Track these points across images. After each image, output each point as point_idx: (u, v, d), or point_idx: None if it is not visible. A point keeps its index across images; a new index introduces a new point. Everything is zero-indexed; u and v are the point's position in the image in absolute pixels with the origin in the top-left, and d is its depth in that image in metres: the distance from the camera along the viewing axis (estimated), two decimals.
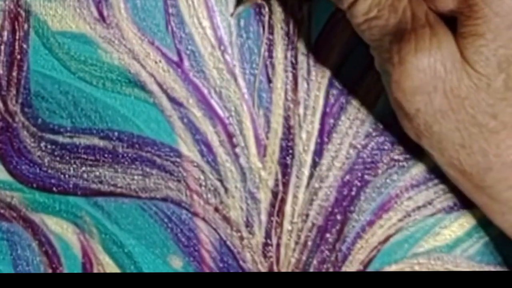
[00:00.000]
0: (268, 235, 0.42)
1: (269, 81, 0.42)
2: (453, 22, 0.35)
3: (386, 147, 0.42)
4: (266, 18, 0.41)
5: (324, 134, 0.42)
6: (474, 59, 0.35)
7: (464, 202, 0.41)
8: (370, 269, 0.42)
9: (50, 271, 0.43)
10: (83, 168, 0.43)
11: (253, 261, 0.43)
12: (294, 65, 0.42)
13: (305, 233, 0.42)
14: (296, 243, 0.42)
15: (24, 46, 0.42)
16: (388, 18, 0.36)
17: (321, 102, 0.42)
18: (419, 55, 0.35)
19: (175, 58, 0.42)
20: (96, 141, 0.42)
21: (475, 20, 0.34)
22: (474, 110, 0.35)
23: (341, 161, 0.42)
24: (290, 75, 0.42)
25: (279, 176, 0.42)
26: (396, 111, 0.37)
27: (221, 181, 0.42)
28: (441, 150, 0.37)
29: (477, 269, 0.42)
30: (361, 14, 0.36)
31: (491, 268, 0.42)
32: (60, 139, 0.43)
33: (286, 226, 0.42)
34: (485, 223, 0.42)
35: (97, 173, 0.43)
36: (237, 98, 0.42)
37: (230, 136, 0.42)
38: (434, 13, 0.36)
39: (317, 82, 0.42)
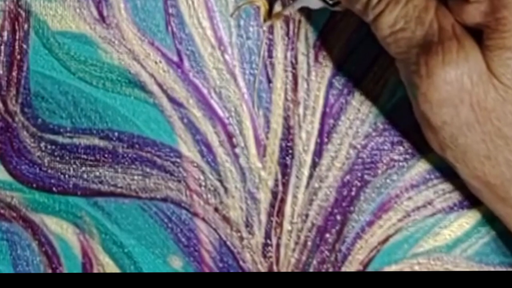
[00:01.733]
0: (267, 235, 0.42)
1: (269, 81, 0.42)
2: (478, 34, 0.35)
3: (385, 148, 0.42)
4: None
5: (324, 134, 0.42)
6: (500, 71, 0.35)
7: (464, 203, 0.42)
8: (370, 269, 0.42)
9: (50, 271, 0.43)
10: (83, 168, 0.43)
11: (253, 261, 0.43)
12: (294, 65, 0.42)
13: (305, 233, 0.42)
14: (296, 243, 0.42)
15: (24, 46, 0.42)
16: (414, 30, 0.36)
17: (320, 102, 0.42)
18: (447, 67, 0.35)
19: (175, 59, 0.42)
20: (96, 141, 0.42)
21: (502, 33, 0.34)
22: (501, 123, 0.35)
23: (341, 161, 0.42)
24: (290, 75, 0.42)
25: (279, 176, 0.42)
26: (421, 123, 0.37)
27: (221, 181, 0.42)
28: (466, 162, 0.37)
29: (476, 269, 0.42)
30: (387, 26, 0.36)
31: (490, 268, 0.42)
32: (60, 139, 0.43)
33: (286, 226, 0.42)
34: (484, 224, 0.42)
35: (97, 173, 0.43)
36: (237, 98, 0.42)
37: (230, 136, 0.42)
38: (460, 26, 0.36)
39: (317, 82, 0.42)
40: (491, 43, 0.35)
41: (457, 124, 0.36)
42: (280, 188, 0.42)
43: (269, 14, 0.41)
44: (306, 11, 0.41)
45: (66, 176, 0.43)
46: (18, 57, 0.42)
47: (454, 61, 0.35)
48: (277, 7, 0.41)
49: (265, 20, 0.41)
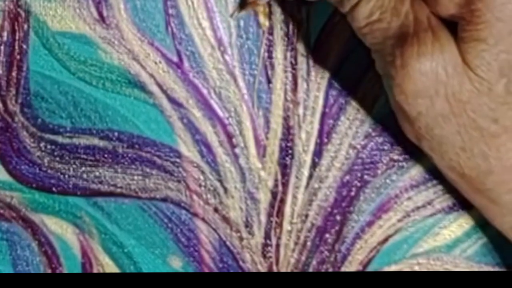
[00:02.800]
0: (267, 236, 0.42)
1: (269, 81, 0.42)
2: (454, 26, 0.35)
3: (385, 148, 0.42)
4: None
5: (324, 135, 0.42)
6: (475, 63, 0.35)
7: (463, 203, 0.42)
8: (370, 269, 0.42)
9: (49, 271, 0.43)
10: (83, 168, 0.43)
11: (252, 261, 0.43)
12: (293, 66, 0.42)
13: (305, 233, 0.42)
14: (296, 243, 0.42)
15: (24, 46, 0.42)
16: (390, 21, 0.36)
17: (320, 102, 0.42)
18: (422, 59, 0.35)
19: (175, 59, 0.42)
20: (96, 141, 0.43)
21: (477, 25, 0.34)
22: (476, 114, 0.35)
23: (341, 161, 0.42)
24: (289, 75, 0.42)
25: (279, 177, 0.42)
26: (397, 114, 0.37)
27: (220, 181, 0.42)
28: (442, 153, 0.37)
29: (476, 270, 0.42)
30: (363, 17, 0.36)
31: (490, 268, 0.42)
32: (60, 139, 0.43)
33: (286, 226, 0.42)
34: (484, 224, 0.42)
35: (97, 173, 0.43)
36: (236, 98, 0.42)
37: (229, 136, 0.42)
38: (436, 17, 0.36)
39: (316, 83, 0.42)
40: (465, 35, 0.35)
41: (432, 115, 0.36)
42: (280, 188, 0.42)
43: (241, 3, 0.41)
44: (305, 13, 0.41)
45: (66, 176, 0.43)
46: (18, 57, 0.42)
47: (429, 53, 0.35)
48: (276, 7, 0.41)
49: (239, 9, 0.41)
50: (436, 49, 0.35)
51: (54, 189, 0.43)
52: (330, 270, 0.42)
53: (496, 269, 0.42)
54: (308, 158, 0.42)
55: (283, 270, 0.43)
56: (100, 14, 0.42)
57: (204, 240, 0.43)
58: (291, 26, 0.41)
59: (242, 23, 0.41)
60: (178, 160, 0.42)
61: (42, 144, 0.43)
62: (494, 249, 0.42)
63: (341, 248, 0.42)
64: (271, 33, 0.41)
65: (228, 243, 0.43)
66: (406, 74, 0.35)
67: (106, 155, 0.43)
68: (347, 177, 0.42)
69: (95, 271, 0.43)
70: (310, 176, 0.42)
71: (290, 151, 0.42)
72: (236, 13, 0.41)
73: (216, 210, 0.42)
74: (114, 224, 0.43)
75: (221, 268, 0.43)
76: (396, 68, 0.35)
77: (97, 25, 0.42)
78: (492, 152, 0.36)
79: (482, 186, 0.37)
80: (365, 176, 0.42)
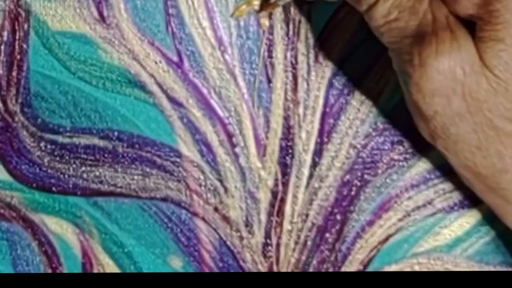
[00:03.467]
0: (267, 235, 0.42)
1: (269, 81, 0.42)
2: (472, 25, 0.35)
3: (386, 147, 0.42)
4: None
5: (324, 134, 0.42)
6: (493, 63, 0.35)
7: (464, 202, 0.41)
8: (370, 269, 0.42)
9: (50, 271, 0.43)
10: (83, 168, 0.43)
11: (253, 261, 0.43)
12: (294, 65, 0.42)
13: (305, 233, 0.42)
14: (296, 243, 0.42)
15: (24, 46, 0.42)
16: (408, 20, 0.36)
17: (320, 102, 0.42)
18: (440, 57, 0.35)
19: (175, 59, 0.42)
20: (96, 141, 0.43)
21: (495, 25, 0.34)
22: (492, 114, 0.35)
23: (341, 161, 0.42)
24: (290, 75, 0.42)
25: (279, 176, 0.42)
26: (413, 112, 0.37)
27: (220, 181, 0.42)
28: (457, 152, 0.37)
29: (476, 269, 0.42)
30: (381, 16, 0.36)
31: (490, 268, 0.42)
32: (60, 139, 0.43)
33: (286, 226, 0.42)
34: (484, 223, 0.42)
35: (97, 173, 0.43)
36: (236, 98, 0.42)
37: (229, 136, 0.42)
38: (454, 17, 0.36)
39: (317, 82, 0.42)
40: (484, 35, 0.35)
41: (449, 114, 0.36)
42: (280, 187, 0.42)
43: (264, 3, 0.41)
44: (306, 12, 0.41)
45: (66, 176, 0.43)
46: (18, 57, 0.42)
47: (447, 52, 0.35)
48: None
49: (259, 11, 0.41)
50: (454, 48, 0.35)
51: (54, 189, 0.43)
52: (331, 269, 0.42)
53: (497, 268, 0.42)
54: (308, 158, 0.42)
55: (283, 269, 0.43)
56: (101, 14, 0.42)
57: (204, 239, 0.43)
58: (291, 26, 0.41)
59: (242, 22, 0.41)
60: (178, 159, 0.42)
61: (42, 144, 0.43)
62: (495, 249, 0.42)
63: (342, 247, 0.42)
64: (271, 32, 0.41)
65: (228, 242, 0.43)
66: (424, 73, 0.35)
67: (106, 155, 0.43)
68: (348, 177, 0.42)
69: (95, 271, 0.43)
70: (311, 176, 0.42)
71: (290, 151, 0.42)
72: (236, 12, 0.41)
73: (216, 209, 0.42)
74: (114, 224, 0.43)
75: (221, 268, 0.43)
76: (413, 66, 0.35)
77: (97, 25, 0.42)
78: (508, 151, 0.36)
79: (496, 185, 0.37)
80: (366, 176, 0.42)
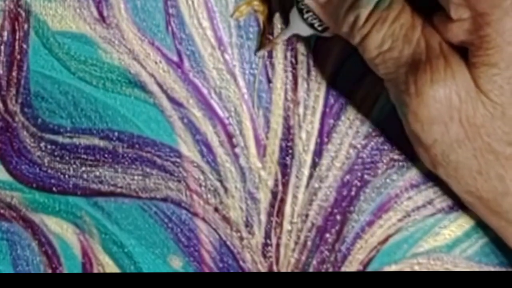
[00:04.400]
0: (267, 235, 0.42)
1: (269, 81, 0.42)
2: (465, 51, 0.35)
3: (385, 147, 0.42)
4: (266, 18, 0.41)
5: (324, 134, 0.42)
6: (488, 88, 0.35)
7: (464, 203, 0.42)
8: (370, 269, 0.42)
9: (50, 271, 0.43)
10: (83, 168, 0.43)
11: (252, 261, 0.43)
12: (294, 65, 0.42)
13: (305, 233, 0.42)
14: (296, 243, 0.42)
15: (24, 46, 0.42)
16: (402, 50, 0.36)
17: (320, 102, 0.42)
18: (435, 86, 0.35)
19: (175, 59, 0.42)
20: (96, 141, 0.43)
21: (487, 50, 0.34)
22: (490, 138, 0.36)
23: (341, 161, 0.42)
24: (290, 75, 0.42)
25: (279, 176, 0.42)
26: (413, 141, 0.38)
27: (221, 181, 0.42)
28: (458, 178, 0.37)
29: (476, 269, 0.42)
30: (375, 47, 0.36)
31: (490, 268, 0.42)
32: (60, 139, 0.43)
33: (286, 226, 0.42)
34: (484, 224, 0.42)
35: (97, 173, 0.43)
36: (236, 98, 0.42)
37: (230, 136, 0.42)
38: (447, 43, 0.36)
39: (317, 82, 0.42)
40: (476, 60, 0.35)
41: (447, 141, 0.36)
42: (280, 188, 0.42)
43: (260, 43, 0.41)
44: None
45: (66, 176, 0.43)
46: (18, 57, 0.42)
47: (442, 79, 0.35)
48: (275, 6, 0.41)
49: (257, 49, 0.41)
50: (449, 75, 0.35)
51: (54, 189, 0.43)
52: (331, 270, 0.42)
53: (496, 269, 0.42)
54: (308, 158, 0.42)
55: (283, 270, 0.43)
56: (101, 13, 0.42)
57: (204, 240, 0.43)
58: None
59: (242, 22, 0.41)
60: (178, 160, 0.42)
61: (42, 144, 0.43)
62: (494, 249, 0.42)
63: (342, 247, 0.42)
64: (271, 33, 0.41)
65: (228, 243, 0.43)
66: (421, 102, 0.35)
67: (106, 155, 0.43)
68: (348, 177, 0.42)
69: (95, 271, 0.43)
70: (311, 176, 0.42)
71: (290, 151, 0.42)
72: (236, 12, 0.41)
73: (216, 210, 0.42)
74: (115, 224, 0.43)
75: (221, 268, 0.43)
76: (410, 96, 0.35)
77: (98, 24, 0.42)
78: (508, 174, 0.36)
79: (499, 208, 0.37)
80: (366, 176, 0.42)
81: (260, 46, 0.41)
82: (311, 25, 0.39)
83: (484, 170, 0.36)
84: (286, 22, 0.41)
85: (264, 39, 0.41)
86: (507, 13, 0.34)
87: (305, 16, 0.39)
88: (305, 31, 0.39)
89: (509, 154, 0.36)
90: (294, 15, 0.39)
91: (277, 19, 0.41)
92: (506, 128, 0.35)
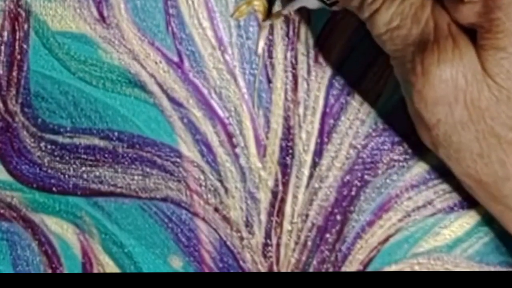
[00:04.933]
0: (268, 235, 0.42)
1: (269, 81, 0.42)
2: (474, 33, 0.35)
3: (386, 147, 0.42)
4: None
5: (324, 134, 0.42)
6: (495, 71, 0.35)
7: (464, 203, 0.42)
8: (370, 269, 0.42)
9: (50, 271, 0.43)
10: (83, 168, 0.43)
11: (253, 261, 0.43)
12: (294, 65, 0.42)
13: (305, 233, 0.42)
14: (296, 243, 0.42)
15: (24, 46, 0.42)
16: (410, 28, 0.36)
17: (321, 102, 0.42)
18: (442, 66, 0.35)
19: (175, 59, 0.42)
20: (96, 141, 0.43)
21: (497, 34, 0.34)
22: (494, 122, 0.36)
23: (341, 161, 0.42)
24: (290, 75, 0.42)
25: (279, 176, 0.42)
26: (415, 121, 0.37)
27: (221, 181, 0.42)
28: (459, 160, 0.37)
29: (476, 269, 0.42)
30: (383, 24, 0.36)
31: (490, 268, 0.42)
32: (60, 139, 0.43)
33: (286, 226, 0.42)
34: (484, 224, 0.42)
35: (97, 173, 0.43)
36: (237, 98, 0.42)
37: (230, 136, 0.42)
38: (456, 24, 0.35)
39: (317, 82, 0.42)
40: (485, 43, 0.35)
41: (451, 122, 0.36)
42: (280, 188, 0.42)
43: (268, 13, 0.41)
44: (305, 12, 0.41)
45: (66, 176, 0.43)
46: (18, 57, 0.42)
47: (449, 60, 0.35)
48: (276, 7, 0.41)
49: (264, 20, 0.41)
50: (456, 56, 0.35)
51: (54, 189, 0.43)
52: (331, 270, 0.42)
53: (497, 269, 0.42)
54: (308, 158, 0.42)
55: (283, 270, 0.43)
56: (101, 13, 0.42)
57: (204, 240, 0.43)
58: (291, 26, 0.41)
59: (242, 22, 0.41)
60: (178, 160, 0.42)
61: (42, 144, 0.43)
62: (495, 249, 0.42)
63: (342, 247, 0.42)
64: (271, 33, 0.41)
65: (228, 243, 0.43)
66: (427, 81, 0.35)
67: (106, 155, 0.43)
68: (348, 177, 0.42)
69: (95, 271, 0.43)
70: (311, 176, 0.42)
71: (290, 151, 0.42)
72: (236, 12, 0.41)
73: (216, 210, 0.42)
74: (115, 224, 0.43)
75: (221, 268, 0.43)
76: (416, 75, 0.35)
77: (98, 25, 0.42)
78: (509, 159, 0.36)
79: (498, 193, 0.37)
80: (366, 176, 0.42)
81: (266, 16, 0.41)
82: None
83: (485, 153, 0.36)
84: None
85: (271, 11, 0.41)
86: None
87: None
88: (313, 3, 0.38)
89: (511, 138, 0.36)
90: None
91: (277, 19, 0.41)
92: (510, 113, 0.35)
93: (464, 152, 0.36)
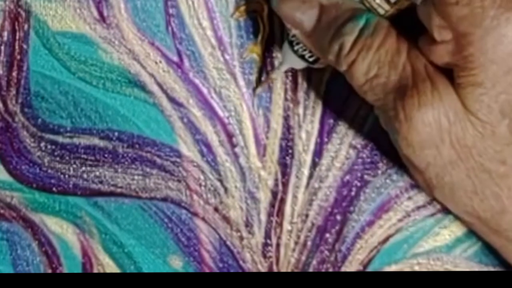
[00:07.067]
0: (267, 235, 0.42)
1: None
2: (451, 71, 0.35)
3: (386, 147, 0.42)
4: (266, 18, 0.41)
5: (324, 134, 0.42)
6: (475, 108, 0.35)
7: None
8: (370, 269, 0.42)
9: (50, 271, 0.43)
10: (83, 168, 0.43)
11: (252, 261, 0.43)
12: None
13: (305, 233, 0.42)
14: (296, 243, 0.42)
15: (24, 46, 0.42)
16: (388, 75, 0.36)
17: (321, 102, 0.42)
18: (423, 109, 0.35)
19: (175, 59, 0.42)
20: (96, 141, 0.43)
21: (472, 70, 0.34)
22: (482, 158, 0.35)
23: (341, 161, 0.42)
24: (290, 75, 0.42)
25: (279, 176, 0.42)
26: (408, 166, 0.38)
27: (220, 181, 0.42)
28: (455, 200, 0.37)
29: (476, 270, 0.42)
30: (362, 74, 0.36)
31: (490, 269, 0.42)
32: (60, 139, 0.43)
33: (286, 226, 0.42)
34: None
35: (97, 173, 0.43)
36: (236, 98, 0.42)
37: (229, 136, 0.42)
38: (432, 65, 0.35)
39: (317, 82, 0.42)
40: (462, 81, 0.34)
41: (440, 164, 0.36)
42: (280, 188, 0.42)
43: (258, 81, 0.42)
44: None
45: (66, 176, 0.43)
46: (18, 57, 0.42)
47: (430, 103, 0.35)
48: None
49: (256, 87, 0.41)
50: (436, 98, 0.35)
51: (54, 189, 0.43)
52: (331, 270, 0.42)
53: (496, 269, 0.42)
54: (308, 158, 0.42)
55: (283, 270, 0.43)
56: (101, 13, 0.42)
57: (204, 239, 0.43)
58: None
59: (242, 22, 0.41)
60: (178, 159, 0.42)
61: (42, 144, 0.43)
62: (495, 249, 0.42)
63: (342, 247, 0.42)
64: (271, 34, 0.41)
65: (228, 242, 0.43)
66: (410, 126, 0.35)
67: (106, 155, 0.43)
68: (348, 177, 0.42)
69: (95, 271, 0.43)
70: (311, 176, 0.42)
71: (290, 151, 0.42)
72: (236, 13, 0.41)
73: (216, 209, 0.42)
74: (115, 224, 0.43)
75: (221, 268, 0.43)
76: (400, 121, 0.35)
77: (98, 25, 0.42)
78: (504, 192, 0.36)
79: (498, 227, 0.37)
80: (366, 176, 0.42)
81: (257, 84, 0.41)
82: (302, 57, 0.39)
83: (479, 189, 0.36)
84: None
85: (261, 75, 0.41)
86: (488, 32, 0.33)
87: (295, 48, 0.39)
88: (298, 63, 0.39)
89: (502, 172, 0.36)
90: (285, 48, 0.39)
91: (277, 19, 0.41)
92: (498, 147, 0.35)
93: (459, 191, 0.36)
